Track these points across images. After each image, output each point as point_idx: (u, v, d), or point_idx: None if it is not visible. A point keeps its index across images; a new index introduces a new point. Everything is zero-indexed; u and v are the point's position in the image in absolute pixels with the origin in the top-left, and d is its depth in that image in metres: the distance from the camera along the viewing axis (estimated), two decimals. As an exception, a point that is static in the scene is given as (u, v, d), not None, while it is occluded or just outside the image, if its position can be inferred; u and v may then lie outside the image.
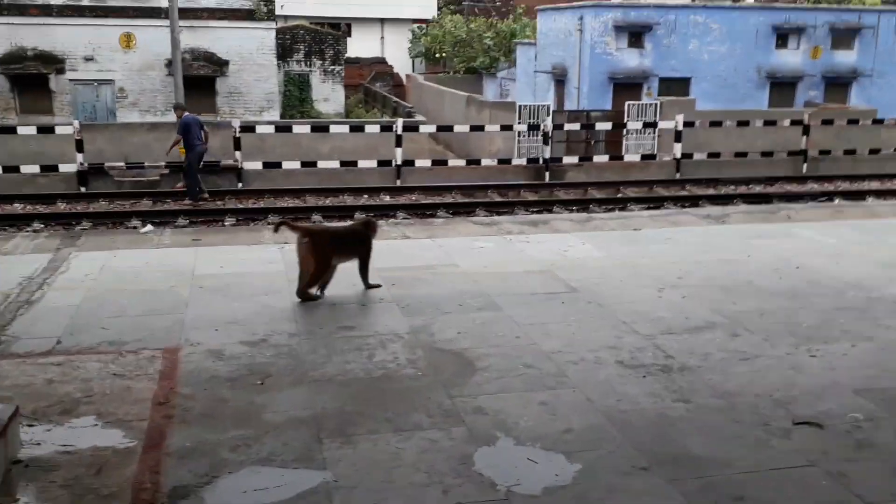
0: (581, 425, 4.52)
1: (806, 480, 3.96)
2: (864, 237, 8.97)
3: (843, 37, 30.54)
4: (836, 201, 16.59)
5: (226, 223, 13.20)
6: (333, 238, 7.01)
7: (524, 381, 5.11)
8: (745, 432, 4.44)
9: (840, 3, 39.47)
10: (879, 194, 17.59)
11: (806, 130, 21.14)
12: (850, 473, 4.01)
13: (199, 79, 26.21)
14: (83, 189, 16.10)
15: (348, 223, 8.33)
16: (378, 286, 7.05)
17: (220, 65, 26.91)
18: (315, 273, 6.68)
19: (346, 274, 6.95)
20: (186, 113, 15.82)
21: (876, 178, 19.89)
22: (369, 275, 7.02)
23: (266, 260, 8.02)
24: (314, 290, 6.77)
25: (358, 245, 6.97)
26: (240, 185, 16.96)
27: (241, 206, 15.10)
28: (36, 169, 16.34)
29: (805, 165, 20.91)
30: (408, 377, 5.17)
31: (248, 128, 18.32)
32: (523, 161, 20.22)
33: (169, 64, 22.93)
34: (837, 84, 30.74)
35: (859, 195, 17.35)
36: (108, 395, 4.87)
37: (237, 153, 17.11)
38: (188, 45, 25.17)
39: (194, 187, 15.14)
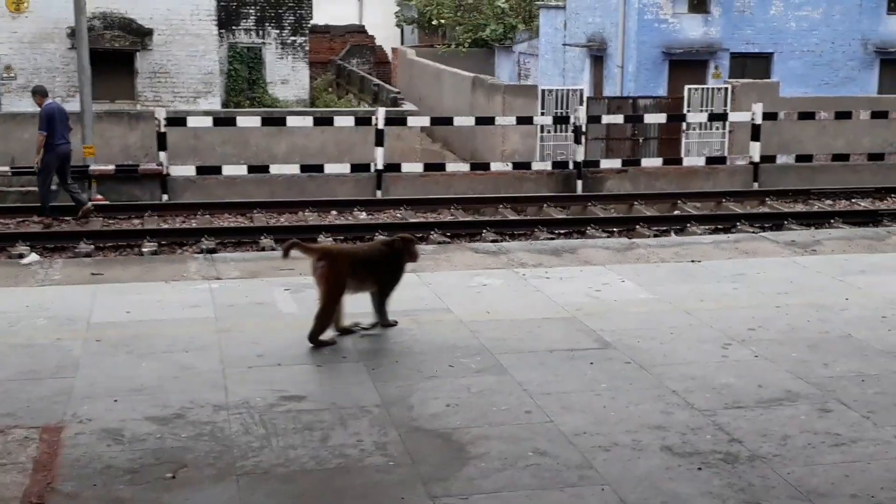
0: (612, 540, 4.43)
1: None
2: None
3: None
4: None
5: (143, 249, 13.16)
6: (354, 260, 7.20)
7: (535, 476, 5.01)
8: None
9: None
10: None
11: (926, 124, 21.16)
12: None
13: (114, 54, 26.34)
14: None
15: (375, 242, 8.36)
16: (394, 324, 7.30)
17: (141, 35, 27.05)
18: (326, 307, 6.88)
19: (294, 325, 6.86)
20: (48, 100, 15.88)
21: None
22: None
23: (190, 303, 7.96)
24: (328, 335, 6.97)
25: (386, 271, 7.22)
26: (164, 197, 16.97)
27: (164, 226, 15.08)
28: None
29: (926, 171, 20.92)
30: (375, 469, 5.08)
31: (178, 120, 18.41)
32: (548, 165, 20.28)
33: (72, 34, 22.95)
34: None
35: None
36: (-40, 494, 4.77)
37: (162, 154, 17.13)
38: (98, 9, 25.35)
39: (46, 201, 15.25)
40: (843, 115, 21.49)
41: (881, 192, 19.35)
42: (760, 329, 7.32)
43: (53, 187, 15.61)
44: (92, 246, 13.24)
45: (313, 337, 6.90)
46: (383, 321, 7.28)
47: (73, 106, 19.89)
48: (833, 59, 29.59)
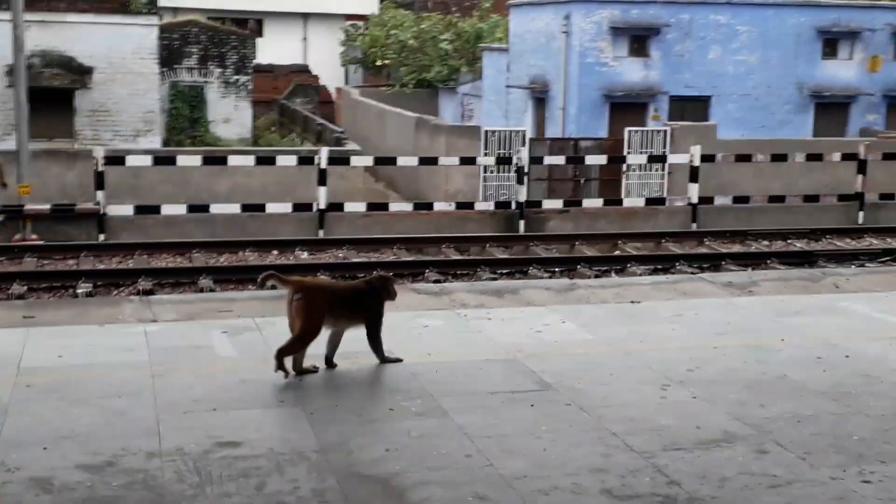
0: (550, 585, 4.38)
1: None
2: (938, 314, 9.07)
3: (911, 44, 31.34)
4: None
5: (78, 291, 12.94)
6: (332, 296, 7.27)
7: (474, 522, 4.96)
8: None
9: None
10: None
11: (862, 167, 21.48)
12: None
13: (53, 91, 26.03)
14: None
15: (356, 280, 8.34)
16: (399, 360, 7.42)
17: (81, 73, 26.77)
18: (299, 336, 6.94)
19: (231, 369, 6.75)
20: None
21: (954, 230, 20.21)
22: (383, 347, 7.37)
23: (125, 346, 7.81)
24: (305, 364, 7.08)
25: (362, 308, 7.28)
26: (101, 237, 16.74)
27: (100, 266, 14.86)
28: None
29: (861, 214, 21.21)
30: (312, 517, 4.99)
31: (117, 158, 18.21)
32: (490, 206, 20.30)
33: (10, 72, 22.66)
34: (903, 106, 31.45)
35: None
36: None
37: (99, 193, 16.92)
38: (38, 47, 25.07)
39: None
40: (779, 158, 21.80)
41: (816, 233, 19.58)
42: (699, 370, 7.33)
43: None
44: (25, 287, 12.98)
45: (282, 364, 6.93)
46: (381, 358, 7.37)
47: (9, 144, 19.63)
48: (769, 102, 30.03)
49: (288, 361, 7.01)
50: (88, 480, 5.30)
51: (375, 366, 7.40)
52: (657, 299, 10.05)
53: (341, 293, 7.49)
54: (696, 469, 5.57)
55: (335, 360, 7.33)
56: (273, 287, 7.75)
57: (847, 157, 21.92)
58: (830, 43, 30.69)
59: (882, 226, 20.49)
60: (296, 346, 7.00)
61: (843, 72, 30.76)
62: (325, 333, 7.22)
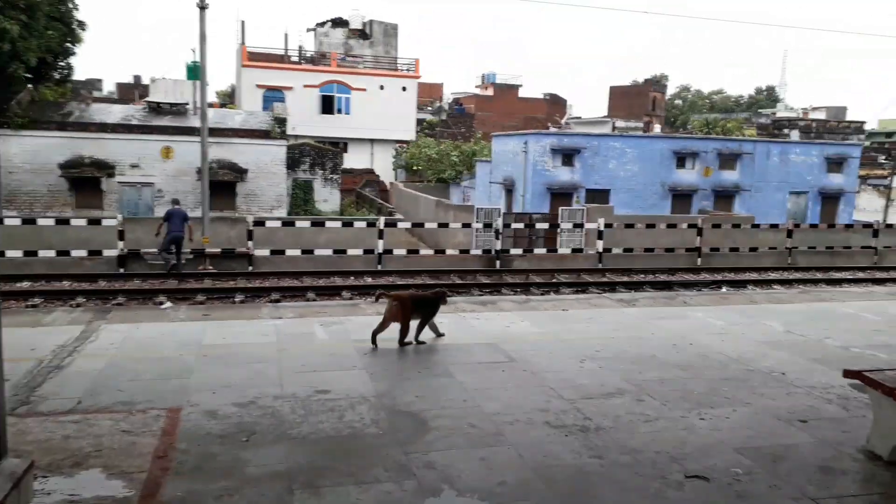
0: (513, 479, 4.32)
1: (695, 528, 3.78)
2: (743, 319, 8.94)
3: (728, 159, 31.41)
4: (724, 289, 16.67)
5: (235, 300, 12.91)
6: (415, 302, 7.47)
7: (468, 440, 4.90)
8: (646, 484, 4.26)
9: (726, 135, 40.85)
10: (757, 283, 17.73)
11: (699, 232, 21.46)
12: (732, 522, 3.84)
13: (223, 183, 26.15)
14: (121, 270, 15.77)
15: (427, 291, 8.35)
16: (442, 335, 7.59)
17: (240, 172, 26.90)
18: (403, 327, 7.23)
19: (325, 347, 6.73)
20: (176, 206, 16.23)
21: (754, 270, 20.13)
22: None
23: (262, 333, 7.77)
24: (408, 338, 7.30)
25: (430, 308, 7.53)
26: (250, 268, 16.71)
27: (249, 285, 14.82)
28: (84, 253, 16.02)
29: (699, 259, 21.13)
30: (371, 436, 4.94)
31: (260, 222, 18.23)
32: (479, 251, 20.23)
33: (199, 171, 22.84)
34: (724, 196, 31.48)
35: (741, 284, 17.48)
36: (116, 449, 4.58)
37: (249, 242, 16.93)
38: (215, 157, 25.21)
39: (168, 267, 15.33)
40: (650, 226, 21.77)
41: (672, 270, 19.49)
42: (603, 351, 7.25)
43: (173, 260, 15.53)
44: (205, 297, 12.97)
45: (401, 342, 7.21)
46: (436, 333, 7.59)
47: (197, 213, 19.65)
48: (645, 193, 29.98)
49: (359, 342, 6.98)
50: (238, 412, 5.28)
51: (412, 347, 7.36)
52: (578, 308, 9.98)
53: (418, 299, 7.54)
54: (600, 410, 5.51)
55: (414, 339, 7.40)
56: (380, 299, 7.87)
57: (691, 225, 21.87)
58: (681, 159, 30.70)
59: (712, 266, 20.40)
60: (404, 333, 7.22)
61: (688, 176, 30.74)
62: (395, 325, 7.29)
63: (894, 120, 59.98)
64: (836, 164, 33.04)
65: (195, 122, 24.06)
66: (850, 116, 65.37)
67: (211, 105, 37.06)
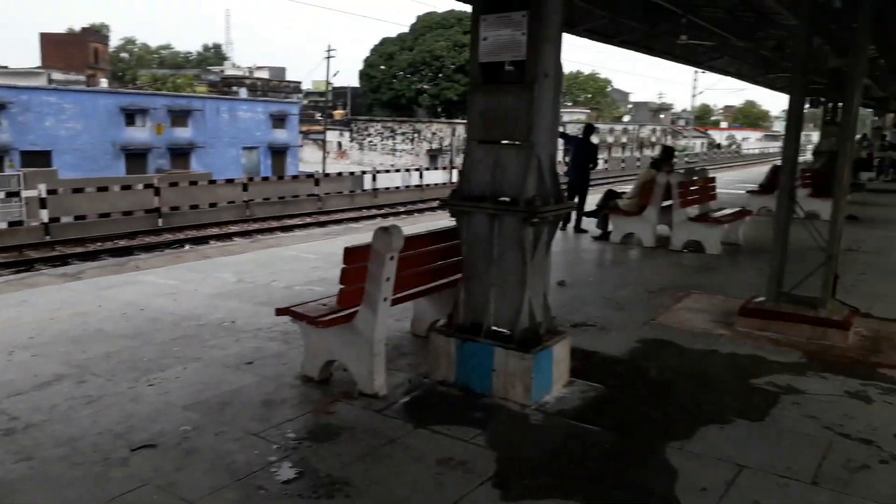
0: None
1: (141, 500, 3.65)
2: (196, 276, 9.04)
3: (179, 116, 31.35)
4: (187, 247, 16.80)
5: None
6: None
7: None
8: (85, 472, 3.92)
9: (177, 91, 40.47)
10: (219, 238, 18.40)
11: (157, 192, 21.04)
12: (178, 482, 3.83)
13: None
14: None
15: None
16: None
17: None
18: None
19: None
20: None
21: (216, 225, 20.81)
22: None
23: None
24: None
25: None
26: None
27: None
28: None
29: (160, 220, 20.76)
30: None
31: None
32: None
33: None
34: (180, 154, 31.48)
35: (204, 240, 17.89)
36: None
37: None
38: None
39: None
40: (103, 189, 20.36)
41: (133, 234, 18.71)
42: (38, 336, 6.37)
43: None
44: None
45: None
46: None
47: None
48: (95, 154, 27.80)
49: None
50: None
51: None
52: (8, 292, 8.54)
53: None
54: (32, 405, 4.84)
55: None
56: None
57: (147, 186, 21.26)
58: (130, 116, 29.36)
59: (174, 226, 20.32)
60: None
61: (140, 134, 29.65)
62: None
63: (323, 81, 68.76)
64: (279, 121, 36.25)
65: None
66: (289, 77, 72.30)
67: None
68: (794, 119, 6.83)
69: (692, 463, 4.12)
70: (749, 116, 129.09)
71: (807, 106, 10.53)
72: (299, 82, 63.97)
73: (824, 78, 14.51)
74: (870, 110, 29.43)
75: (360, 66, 60.83)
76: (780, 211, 6.98)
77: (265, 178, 27.66)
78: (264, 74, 69.20)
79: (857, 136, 35.20)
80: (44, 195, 18.28)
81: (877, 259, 10.91)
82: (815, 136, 23.98)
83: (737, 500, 3.74)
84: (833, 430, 4.60)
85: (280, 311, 5.33)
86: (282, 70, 75.41)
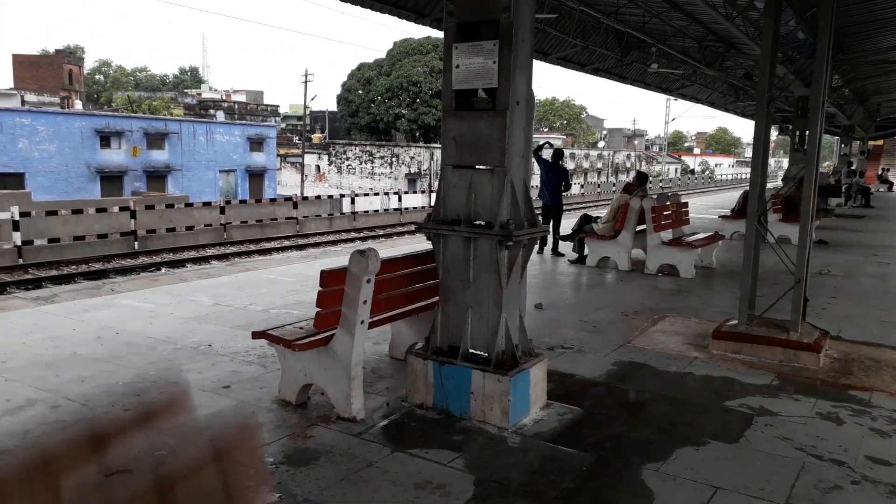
0: None
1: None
2: (173, 299, 8.97)
3: (155, 139, 31.18)
4: (163, 270, 16.63)
5: None
6: None
7: None
8: None
9: (153, 114, 40.31)
10: (196, 261, 18.23)
11: (133, 214, 20.84)
12: None
13: None
14: None
15: None
16: None
17: None
18: None
19: None
20: None
21: (193, 248, 20.64)
22: None
23: None
24: None
25: None
26: None
27: None
28: None
29: (136, 243, 20.56)
30: None
31: None
32: None
33: None
34: (156, 176, 31.26)
35: (181, 263, 17.72)
36: None
37: None
38: None
39: None
40: (78, 212, 20.11)
41: (108, 257, 18.48)
42: (11, 360, 6.26)
43: None
44: None
45: None
46: None
47: None
48: (69, 176, 27.50)
49: None
50: None
51: None
52: (-20, 316, 8.42)
53: None
54: (4, 430, 4.76)
55: None
56: None
57: (123, 208, 21.05)
58: (105, 138, 29.15)
59: (150, 249, 20.12)
60: None
61: (115, 157, 29.42)
62: None
63: (300, 105, 68.97)
64: (257, 144, 36.24)
65: None
66: (267, 100, 72.35)
67: None
68: (761, 145, 7.02)
69: (668, 484, 4.17)
70: (721, 143, 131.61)
71: (776, 133, 10.80)
72: (277, 106, 64.06)
73: (791, 106, 14.89)
74: (837, 137, 30.17)
75: (338, 90, 61.22)
76: (750, 236, 7.13)
77: (243, 201, 27.54)
78: (241, 98, 69.23)
79: (827, 164, 35.95)
80: (17, 217, 18.02)
81: (846, 283, 11.15)
82: (786, 163, 24.51)
83: (711, 521, 3.79)
84: (805, 452, 4.68)
85: (256, 335, 5.32)
86: (259, 93, 75.51)
